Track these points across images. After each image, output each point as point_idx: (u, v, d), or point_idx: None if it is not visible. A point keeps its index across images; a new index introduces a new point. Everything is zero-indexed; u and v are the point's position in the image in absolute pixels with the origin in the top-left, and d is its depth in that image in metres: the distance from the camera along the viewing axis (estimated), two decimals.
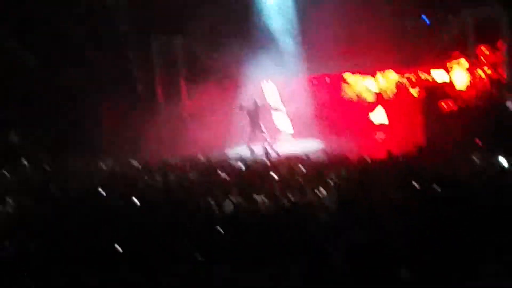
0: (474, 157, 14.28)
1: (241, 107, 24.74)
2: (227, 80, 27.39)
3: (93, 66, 25.56)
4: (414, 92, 26.43)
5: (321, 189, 12.92)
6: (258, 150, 19.30)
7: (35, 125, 24.78)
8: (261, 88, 28.00)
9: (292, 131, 27.17)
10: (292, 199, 12.53)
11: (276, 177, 14.99)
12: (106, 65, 26.14)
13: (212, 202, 12.55)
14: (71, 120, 24.89)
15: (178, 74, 28.10)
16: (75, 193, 14.91)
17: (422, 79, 26.46)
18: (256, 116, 24.66)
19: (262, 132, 24.36)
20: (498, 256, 8.11)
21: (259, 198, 12.73)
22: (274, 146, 24.04)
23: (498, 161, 13.26)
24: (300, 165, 16.67)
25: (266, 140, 24.10)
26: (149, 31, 27.47)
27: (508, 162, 13.23)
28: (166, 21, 26.98)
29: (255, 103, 24.88)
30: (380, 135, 25.80)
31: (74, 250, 9.90)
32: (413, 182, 12.31)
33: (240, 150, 22.55)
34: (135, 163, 19.28)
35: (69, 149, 22.28)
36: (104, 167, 19.23)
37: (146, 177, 16.53)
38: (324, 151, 19.93)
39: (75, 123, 24.83)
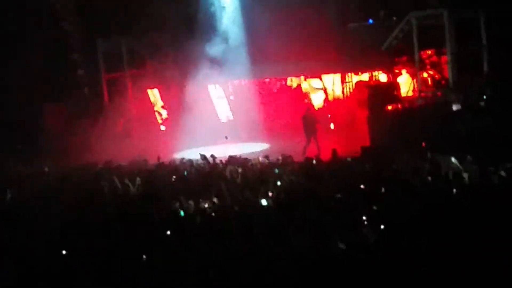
0: (418, 157, 14.45)
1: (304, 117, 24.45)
2: (174, 83, 27.36)
3: (37, 68, 25.28)
4: (360, 94, 26.65)
5: (268, 192, 12.93)
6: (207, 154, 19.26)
7: None
8: (208, 91, 28.01)
9: (239, 134, 27.16)
10: (239, 202, 12.52)
11: (223, 180, 14.96)
12: (50, 67, 25.89)
13: (159, 206, 12.49)
14: (13, 123, 24.56)
15: (124, 76, 27.97)
16: (20, 199, 14.69)
17: (369, 82, 26.71)
18: (311, 122, 24.31)
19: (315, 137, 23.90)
20: (452, 254, 8.18)
21: (207, 201, 12.71)
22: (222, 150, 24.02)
23: (441, 161, 13.44)
24: (247, 168, 16.69)
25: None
26: (94, 33, 27.30)
27: (452, 162, 13.40)
28: (112, 23, 26.86)
29: (309, 109, 24.75)
30: (326, 137, 25.97)
31: (17, 257, 9.74)
32: (359, 183, 12.43)
33: (188, 154, 22.46)
34: (80, 166, 19.08)
35: (12, 152, 21.96)
36: (48, 170, 18.98)
37: (91, 181, 16.36)
38: (272, 153, 19.95)
39: (18, 126, 24.50)
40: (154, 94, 28.72)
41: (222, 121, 27.77)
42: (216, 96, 28.35)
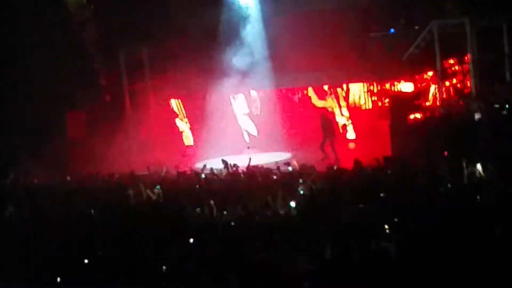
0: (440, 167, 14.39)
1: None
2: (196, 92, 27.45)
3: (59, 76, 25.43)
4: (382, 103, 26.62)
5: (290, 200, 12.94)
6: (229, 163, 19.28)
7: None
8: (230, 100, 28.05)
9: (262, 143, 27.15)
10: (262, 210, 12.55)
11: (246, 188, 15.00)
12: (72, 75, 26.05)
13: (182, 214, 12.54)
14: (35, 131, 24.69)
15: (146, 85, 28.08)
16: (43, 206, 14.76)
17: (390, 91, 26.64)
18: (329, 121, 24.57)
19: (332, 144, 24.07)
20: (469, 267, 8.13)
21: (229, 209, 12.74)
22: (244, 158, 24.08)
23: (464, 170, 13.38)
24: (270, 177, 16.71)
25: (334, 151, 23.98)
26: (117, 41, 27.45)
27: (475, 170, 13.36)
28: (134, 32, 27.02)
29: (324, 116, 24.91)
30: (348, 146, 25.97)
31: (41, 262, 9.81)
32: (380, 192, 12.40)
33: (210, 163, 22.47)
34: (101, 175, 19.12)
35: (34, 160, 22.05)
36: (70, 179, 19.10)
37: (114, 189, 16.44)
38: (293, 162, 19.92)
39: (40, 133, 24.60)
40: (176, 104, 28.81)
41: (245, 138, 27.77)
42: (238, 105, 28.36)
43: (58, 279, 9.30)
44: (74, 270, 9.50)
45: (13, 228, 12.82)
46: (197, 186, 16.24)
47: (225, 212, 12.61)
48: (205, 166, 19.13)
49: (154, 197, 15.07)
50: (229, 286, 8.63)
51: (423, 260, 8.49)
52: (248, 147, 24.37)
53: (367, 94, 27.64)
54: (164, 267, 9.37)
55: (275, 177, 16.81)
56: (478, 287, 7.92)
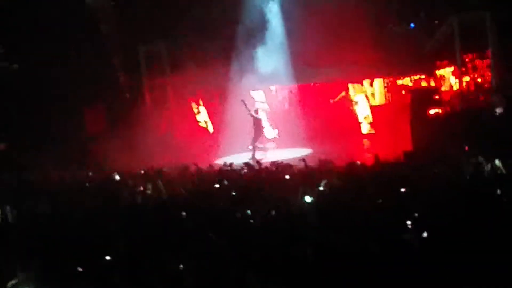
0: (461, 161, 14.33)
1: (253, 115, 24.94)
2: (214, 88, 27.48)
3: (79, 71, 25.54)
4: (402, 98, 26.53)
5: (309, 196, 12.89)
6: (247, 159, 19.25)
7: (16, 133, 24.70)
8: (250, 96, 28.03)
9: (280, 139, 27.11)
10: (280, 206, 12.50)
11: (264, 184, 14.96)
12: (92, 72, 26.15)
13: (202, 211, 12.53)
14: (54, 126, 24.80)
15: (166, 80, 28.14)
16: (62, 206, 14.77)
17: (410, 86, 26.56)
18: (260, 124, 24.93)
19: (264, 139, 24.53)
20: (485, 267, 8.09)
21: (248, 206, 12.70)
22: (263, 154, 24.14)
23: (484, 164, 13.31)
24: (288, 173, 16.66)
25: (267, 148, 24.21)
26: (135, 38, 27.53)
27: (496, 164, 13.28)
28: (153, 28, 27.10)
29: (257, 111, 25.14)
30: (367, 142, 25.90)
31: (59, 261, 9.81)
32: (401, 187, 12.35)
33: (230, 159, 22.47)
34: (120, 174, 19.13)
35: (53, 158, 22.13)
36: (92, 175, 19.15)
37: (134, 186, 16.46)
38: (312, 158, 19.87)
39: (59, 129, 24.71)
40: (196, 99, 28.83)
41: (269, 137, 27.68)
42: (258, 101, 28.34)
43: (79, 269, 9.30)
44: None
45: (33, 223, 12.86)
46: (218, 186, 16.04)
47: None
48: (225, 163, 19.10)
49: (184, 193, 15.04)
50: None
51: (444, 253, 8.47)
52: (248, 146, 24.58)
53: (387, 88, 27.55)
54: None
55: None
56: (497, 278, 7.89)
